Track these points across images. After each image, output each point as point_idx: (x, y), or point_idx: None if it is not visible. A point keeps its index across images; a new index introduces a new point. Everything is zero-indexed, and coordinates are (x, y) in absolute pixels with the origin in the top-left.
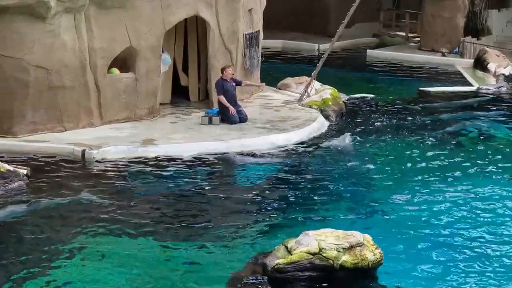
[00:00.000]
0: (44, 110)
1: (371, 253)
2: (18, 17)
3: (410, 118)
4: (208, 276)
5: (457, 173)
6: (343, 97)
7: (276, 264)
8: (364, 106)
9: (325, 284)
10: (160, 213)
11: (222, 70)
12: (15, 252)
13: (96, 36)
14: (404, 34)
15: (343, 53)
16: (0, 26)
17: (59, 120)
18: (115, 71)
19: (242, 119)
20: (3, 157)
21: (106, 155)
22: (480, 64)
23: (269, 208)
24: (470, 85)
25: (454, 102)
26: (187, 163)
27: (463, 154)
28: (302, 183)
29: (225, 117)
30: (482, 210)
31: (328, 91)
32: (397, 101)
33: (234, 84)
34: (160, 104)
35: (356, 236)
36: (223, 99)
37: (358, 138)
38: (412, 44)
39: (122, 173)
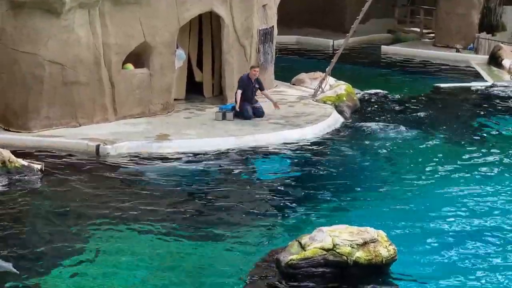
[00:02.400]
0: (59, 106)
1: (385, 249)
2: (33, 12)
3: (425, 114)
4: (222, 272)
5: (472, 169)
6: (358, 92)
7: (290, 260)
8: (379, 102)
9: (339, 280)
10: (173, 208)
11: (250, 68)
12: (28, 246)
13: (111, 32)
14: (418, 30)
15: (357, 49)
16: (16, 21)
17: (73, 116)
18: (130, 66)
19: (260, 113)
20: (18, 152)
21: (120, 150)
22: (494, 60)
23: (282, 204)
24: (485, 81)
25: (468, 98)
26: (201, 159)
27: (477, 149)
28: (316, 179)
29: (240, 113)
30: (499, 207)
31: (342, 87)
32: (412, 97)
33: (256, 85)
34: (175, 99)
35: (370, 232)
36: (238, 95)
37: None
38: (427, 40)
39: (136, 169)
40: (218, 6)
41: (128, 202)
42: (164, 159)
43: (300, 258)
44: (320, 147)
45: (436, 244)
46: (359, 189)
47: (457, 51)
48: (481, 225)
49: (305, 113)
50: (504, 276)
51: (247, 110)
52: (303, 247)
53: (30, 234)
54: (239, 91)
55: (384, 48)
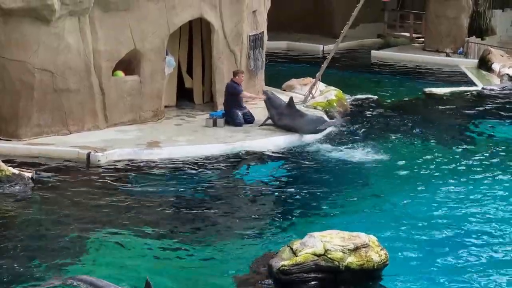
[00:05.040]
0: (49, 113)
1: (376, 254)
2: (23, 20)
3: (415, 118)
4: (213, 278)
5: (462, 173)
6: (348, 98)
7: (282, 266)
8: (369, 107)
9: (331, 286)
10: (165, 215)
11: (235, 73)
12: (19, 255)
13: (101, 39)
14: (408, 34)
15: (347, 54)
16: (5, 29)
17: (64, 123)
18: (120, 73)
19: (250, 120)
20: (8, 160)
21: (111, 157)
22: (484, 64)
23: (273, 210)
24: (475, 85)
25: (458, 102)
26: (192, 165)
27: (467, 154)
28: (306, 184)
29: (230, 120)
30: (488, 210)
31: (332, 92)
32: (402, 102)
33: (242, 88)
34: (165, 106)
35: (362, 237)
36: (246, 94)
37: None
38: (417, 44)
39: (127, 176)
40: (208, 12)
41: (119, 210)
42: (155, 166)
43: (291, 264)
44: (311, 153)
45: (428, 249)
46: (350, 194)
47: (447, 55)
48: (474, 231)
49: None
50: (496, 282)
51: (239, 117)
52: (294, 253)
53: (21, 243)
54: (245, 92)
55: (374, 53)
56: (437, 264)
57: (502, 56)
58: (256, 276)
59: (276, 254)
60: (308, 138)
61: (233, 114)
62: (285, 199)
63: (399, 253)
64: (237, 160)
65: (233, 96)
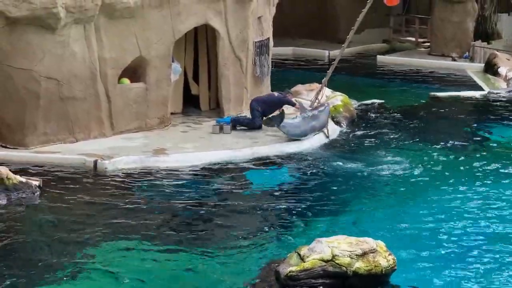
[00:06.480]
0: (55, 121)
1: (384, 259)
2: (28, 28)
3: (422, 123)
4: (222, 284)
5: (470, 179)
6: (354, 103)
7: (289, 272)
8: (376, 112)
9: None
10: (172, 222)
11: (289, 94)
12: (25, 262)
13: (106, 46)
14: (414, 39)
15: (353, 59)
16: (11, 37)
17: (70, 131)
18: (126, 81)
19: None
20: (15, 168)
21: (117, 165)
22: (490, 68)
23: (281, 216)
24: (481, 89)
25: (465, 107)
26: (198, 172)
27: (475, 159)
28: (314, 191)
29: (249, 119)
30: (496, 217)
31: (339, 98)
32: (408, 107)
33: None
34: (171, 113)
35: (369, 242)
36: (297, 102)
37: None
38: (422, 49)
39: (134, 183)
40: (213, 18)
41: (126, 218)
42: (161, 173)
43: (299, 270)
44: (318, 159)
45: (437, 255)
46: (357, 199)
47: (453, 59)
48: (482, 235)
49: None
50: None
51: (258, 117)
52: (302, 259)
53: (28, 251)
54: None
55: (379, 58)
56: (446, 269)
57: (509, 60)
58: (263, 282)
59: (284, 260)
60: (315, 144)
61: (254, 114)
62: (292, 205)
63: (408, 258)
64: (244, 166)
65: (279, 105)
